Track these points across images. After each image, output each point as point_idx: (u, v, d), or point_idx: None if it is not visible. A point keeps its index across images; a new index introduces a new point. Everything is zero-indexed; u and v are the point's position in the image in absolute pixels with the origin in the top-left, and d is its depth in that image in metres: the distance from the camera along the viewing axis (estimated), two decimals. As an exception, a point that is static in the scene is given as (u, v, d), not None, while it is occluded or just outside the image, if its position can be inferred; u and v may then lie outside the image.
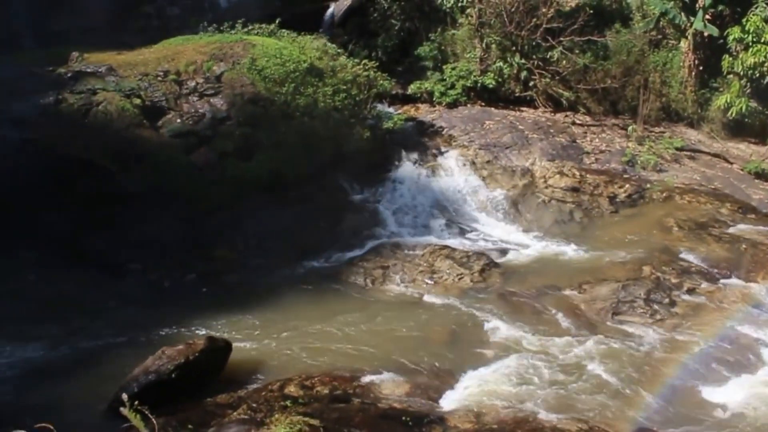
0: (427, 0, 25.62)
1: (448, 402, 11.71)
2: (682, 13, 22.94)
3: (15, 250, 16.66)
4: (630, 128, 22.96)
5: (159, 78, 18.72)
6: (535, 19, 23.35)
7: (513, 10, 23.36)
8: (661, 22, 24.15)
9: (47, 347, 13.56)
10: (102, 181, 16.85)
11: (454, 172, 20.57)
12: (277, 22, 22.09)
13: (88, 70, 18.77)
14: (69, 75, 18.53)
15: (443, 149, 21.36)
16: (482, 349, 13.60)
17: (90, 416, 11.41)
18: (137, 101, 17.92)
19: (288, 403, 11.16)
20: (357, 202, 19.30)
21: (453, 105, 23.57)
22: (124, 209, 16.86)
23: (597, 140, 22.69)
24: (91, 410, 11.57)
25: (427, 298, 15.68)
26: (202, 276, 16.45)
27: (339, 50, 22.31)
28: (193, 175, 17.47)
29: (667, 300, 14.95)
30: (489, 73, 23.76)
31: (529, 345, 13.55)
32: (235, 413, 11.03)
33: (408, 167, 20.43)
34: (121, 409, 6.32)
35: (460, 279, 16.25)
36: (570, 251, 17.92)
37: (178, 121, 18.01)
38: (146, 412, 5.90)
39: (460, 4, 24.53)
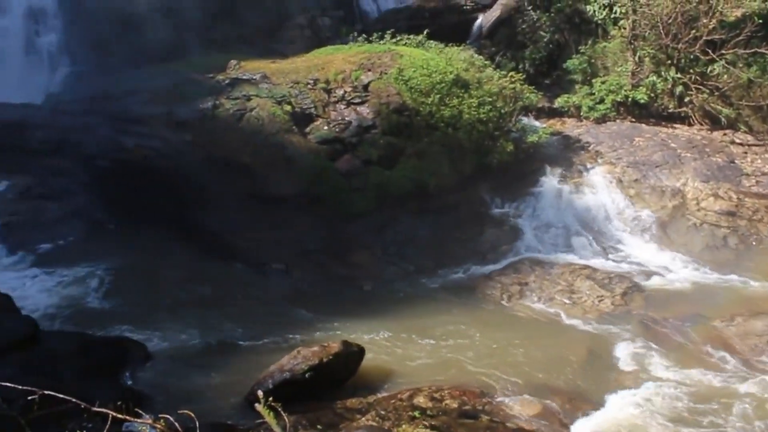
0: (578, 11, 24.97)
1: (580, 429, 11.26)
2: None
3: (171, 245, 17.90)
4: (799, 149, 21.22)
5: (309, 86, 19.43)
6: (694, 31, 22.09)
7: (670, 21, 22.24)
8: None
9: (193, 337, 14.35)
10: (251, 183, 17.71)
11: (599, 190, 19.86)
12: (425, 33, 22.29)
13: (244, 77, 19.83)
14: (226, 82, 19.67)
15: (589, 166, 20.69)
16: (619, 376, 13.00)
17: (226, 407, 11.97)
18: (288, 108, 18.67)
19: (416, 413, 11.16)
20: (497, 215, 19.07)
21: (601, 120, 22.78)
22: (270, 211, 17.65)
23: (759, 161, 21.12)
24: (227, 401, 12.14)
25: (564, 318, 15.24)
26: (341, 280, 16.86)
27: (486, 62, 22.22)
28: (337, 181, 17.96)
29: (835, 342, 13.65)
30: (641, 88, 22.74)
31: (670, 376, 12.79)
32: (363, 419, 11.17)
33: (551, 183, 19.95)
34: (256, 405, 6.57)
35: (600, 301, 15.66)
36: (721, 279, 16.79)
37: (326, 128, 18.59)
38: (279, 410, 6.07)
39: (613, 16, 23.68)
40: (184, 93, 19.34)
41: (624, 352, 13.65)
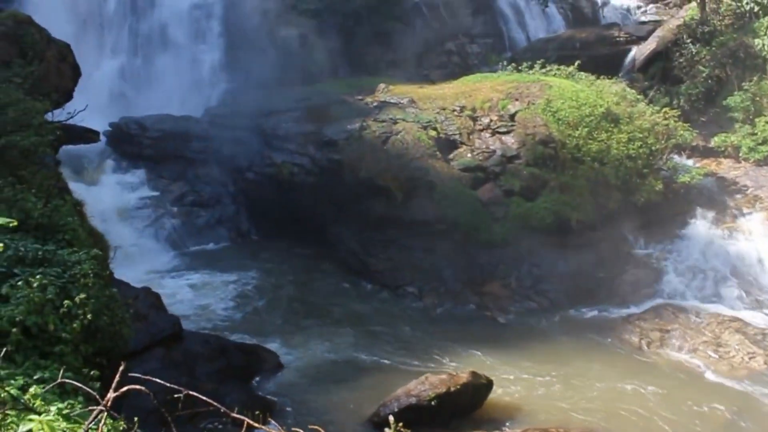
0: (743, 45, 23.52)
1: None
2: None
3: (309, 259, 18.48)
4: None
5: (455, 112, 19.48)
6: None
7: None
8: None
9: (323, 351, 14.67)
10: (391, 206, 17.94)
11: (755, 238, 18.49)
12: (576, 64, 21.83)
13: (392, 100, 20.19)
14: (374, 104, 20.12)
15: (745, 211, 19.34)
16: (768, 445, 12.00)
17: (351, 424, 12.11)
18: (433, 133, 18.80)
19: (542, 455, 10.80)
20: (640, 256, 18.20)
21: (762, 162, 21.22)
22: (407, 234, 17.80)
23: None
24: (352, 419, 12.28)
25: (707, 373, 14.23)
26: (474, 309, 16.68)
27: (638, 96, 21.37)
28: (477, 210, 17.83)
29: None
30: (812, 129, 21.04)
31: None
32: (487, 453, 10.95)
33: (701, 226, 18.82)
34: (386, 430, 6.57)
35: (751, 358, 14.50)
36: None
37: (469, 155, 18.55)
38: (406, 435, 6.01)
39: (784, 50, 22.14)
40: (333, 113, 19.95)
41: (775, 419, 12.57)
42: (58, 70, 13.88)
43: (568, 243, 17.73)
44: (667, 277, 17.74)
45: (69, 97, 14.48)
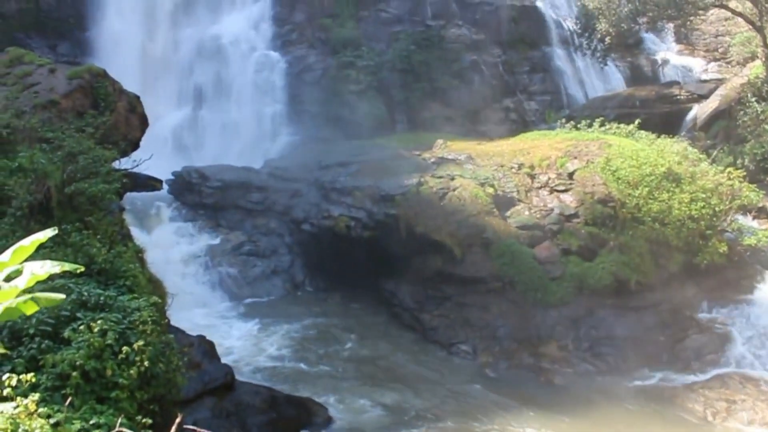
0: (816, 103, 22.96)
1: None
2: None
3: (361, 313, 18.38)
4: None
5: (513, 170, 19.36)
6: None
7: None
8: None
9: (373, 407, 14.41)
10: (447, 262, 17.80)
11: (827, 306, 17.68)
12: (636, 122, 21.58)
13: (449, 156, 20.22)
14: (432, 160, 20.17)
15: (818, 277, 18.55)
16: None
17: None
18: (490, 190, 18.68)
19: None
20: (704, 321, 17.52)
21: (838, 226, 20.44)
22: (462, 291, 17.58)
23: None
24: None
25: (781, 447, 13.51)
26: (528, 369, 16.23)
27: (700, 155, 20.92)
28: (534, 268, 17.50)
29: None
30: None
31: None
32: None
33: (769, 291, 18.10)
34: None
35: (827, 434, 13.70)
36: None
37: (527, 213, 18.33)
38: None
39: None
40: (390, 168, 20.07)
41: None
42: (128, 120, 14.38)
43: (627, 305, 17.22)
44: (734, 344, 16.96)
45: (136, 146, 14.95)
